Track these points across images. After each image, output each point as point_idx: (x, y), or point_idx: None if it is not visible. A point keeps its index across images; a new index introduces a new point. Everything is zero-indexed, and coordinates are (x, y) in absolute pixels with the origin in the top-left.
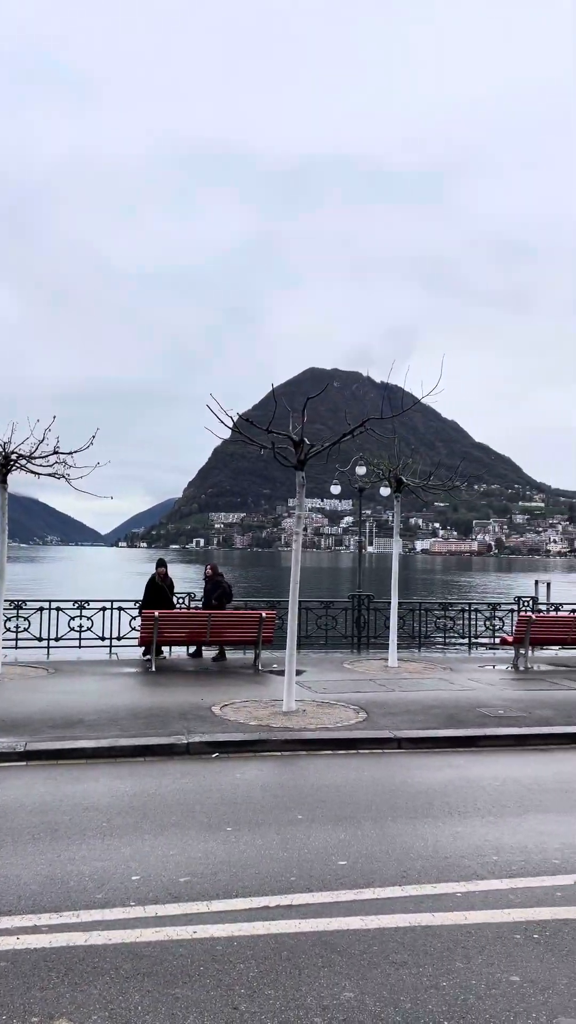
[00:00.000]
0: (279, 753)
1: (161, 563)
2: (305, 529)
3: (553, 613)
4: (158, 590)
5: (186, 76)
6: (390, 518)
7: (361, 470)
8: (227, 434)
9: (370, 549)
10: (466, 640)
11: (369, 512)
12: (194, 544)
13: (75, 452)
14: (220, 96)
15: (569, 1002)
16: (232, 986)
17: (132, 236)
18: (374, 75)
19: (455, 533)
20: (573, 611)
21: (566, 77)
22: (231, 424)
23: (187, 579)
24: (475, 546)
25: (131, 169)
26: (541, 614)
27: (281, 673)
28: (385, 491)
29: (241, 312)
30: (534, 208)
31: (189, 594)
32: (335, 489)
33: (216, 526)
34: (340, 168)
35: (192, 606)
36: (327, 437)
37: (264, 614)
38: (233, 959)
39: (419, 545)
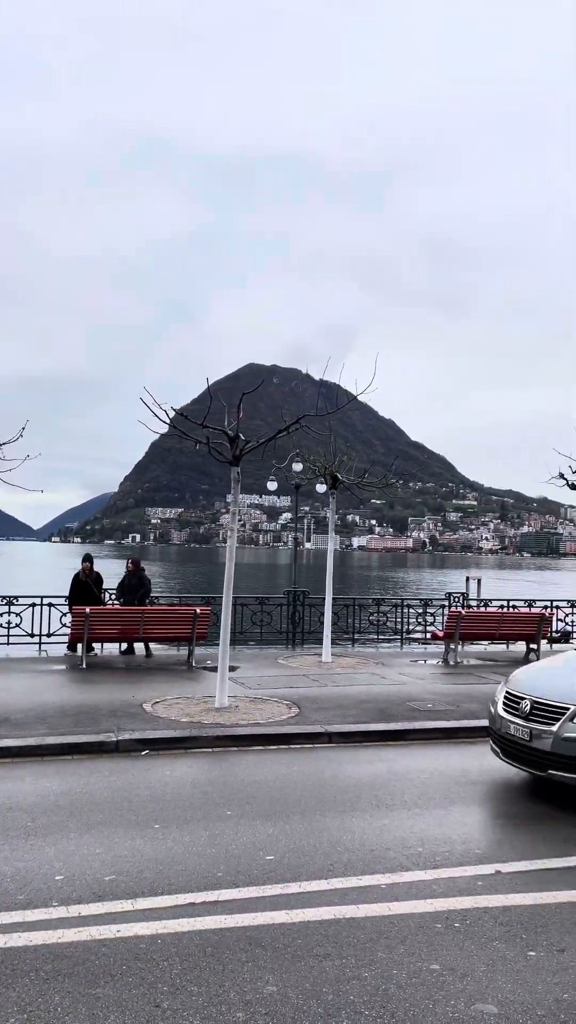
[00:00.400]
0: (210, 749)
1: (87, 558)
2: (243, 525)
3: (482, 609)
4: (83, 586)
5: (126, 64)
6: (328, 515)
7: (298, 467)
8: (163, 428)
9: (308, 545)
10: (399, 635)
11: (307, 509)
12: (130, 540)
13: (4, 444)
14: (160, 86)
15: (487, 988)
16: (155, 984)
17: (68, 223)
18: (317, 73)
19: (391, 530)
20: (501, 607)
21: (508, 81)
22: (166, 418)
23: (120, 575)
24: (410, 543)
25: (68, 155)
26: (471, 610)
27: (214, 669)
28: (321, 488)
29: (180, 305)
30: (471, 211)
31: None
32: (272, 485)
33: (153, 521)
34: (281, 165)
35: (110, 602)
36: (266, 433)
37: (198, 610)
38: (157, 957)
39: (356, 542)
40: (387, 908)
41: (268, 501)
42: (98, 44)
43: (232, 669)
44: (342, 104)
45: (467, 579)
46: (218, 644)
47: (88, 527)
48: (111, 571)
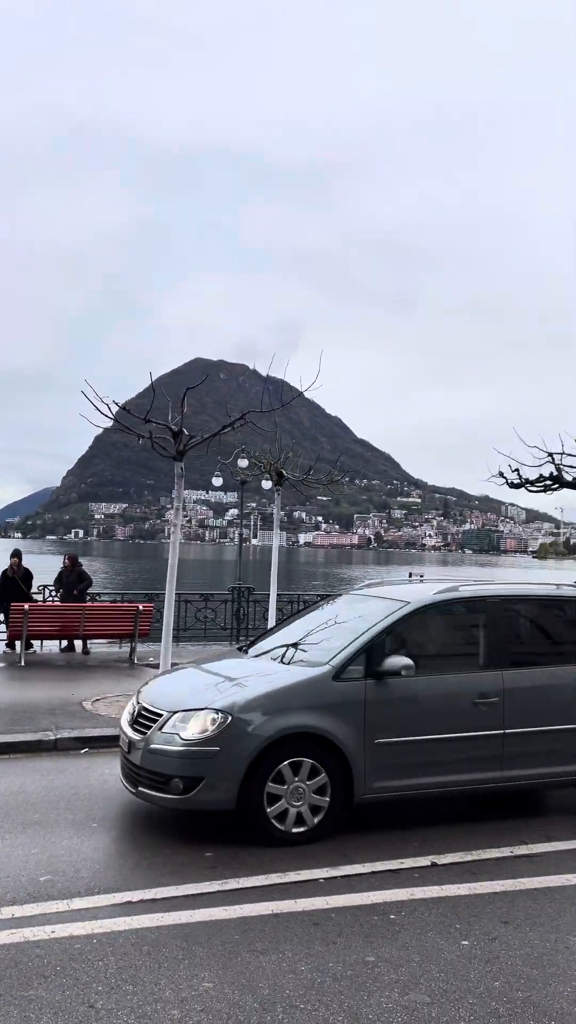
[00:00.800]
0: None
1: (15, 553)
2: (189, 521)
3: None
4: (9, 582)
5: (67, 50)
6: (274, 511)
7: (243, 463)
8: (106, 423)
9: (254, 542)
10: None
11: (254, 505)
12: (73, 535)
13: None
14: (106, 75)
15: (421, 978)
16: (89, 984)
17: (7, 212)
18: (265, 69)
19: (337, 527)
20: None
21: (457, 80)
22: (109, 413)
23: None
24: (356, 539)
25: (5, 141)
26: None
27: (157, 666)
28: (267, 484)
29: (124, 297)
30: (418, 211)
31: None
32: (217, 481)
33: (96, 517)
34: (227, 159)
35: (50, 598)
36: (212, 429)
37: (141, 607)
38: (92, 957)
39: (302, 538)
40: (325, 902)
41: (215, 497)
42: (46, 32)
43: (175, 666)
44: (290, 100)
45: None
46: (161, 641)
47: (29, 522)
48: (52, 568)
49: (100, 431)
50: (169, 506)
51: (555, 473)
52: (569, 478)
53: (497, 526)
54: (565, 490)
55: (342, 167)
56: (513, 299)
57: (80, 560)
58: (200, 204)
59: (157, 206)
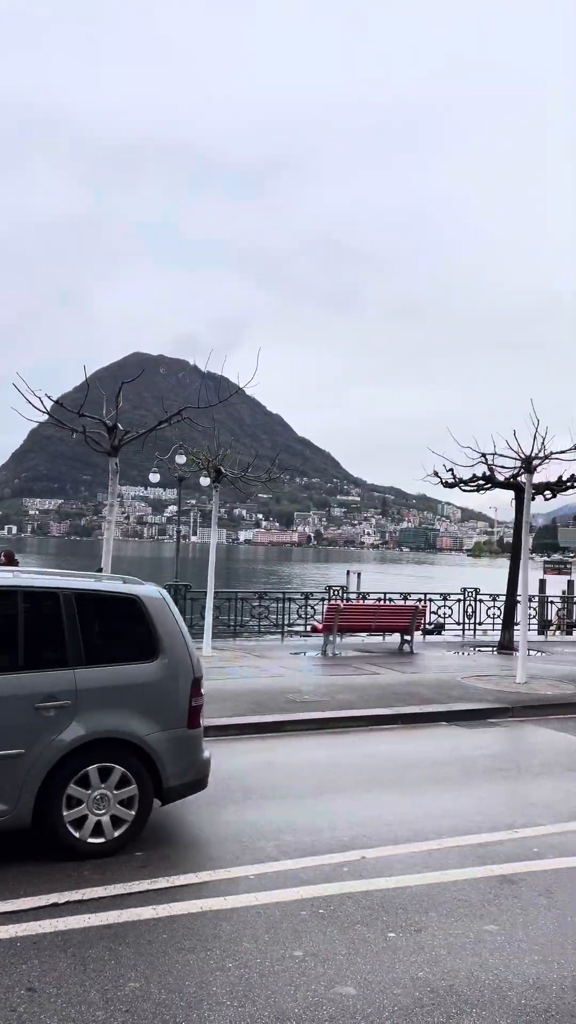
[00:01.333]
0: None
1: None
2: (127, 517)
3: (360, 602)
4: None
5: (10, 36)
6: (212, 508)
7: (181, 459)
8: (39, 416)
9: (194, 539)
10: (280, 628)
11: (194, 502)
12: (6, 531)
13: None
14: (44, 61)
15: (347, 971)
16: (12, 988)
17: None
18: (210, 64)
19: (277, 524)
20: (378, 600)
21: (403, 80)
22: (43, 406)
23: None
24: (296, 537)
25: None
26: (349, 603)
27: None
28: (205, 481)
29: (62, 288)
30: (360, 210)
31: None
32: (154, 477)
33: (31, 512)
34: (169, 152)
35: None
36: (151, 424)
37: None
38: (15, 961)
39: (242, 535)
40: (254, 899)
41: (153, 493)
42: None
43: None
44: (232, 97)
45: (348, 573)
46: None
47: None
48: None
49: (35, 425)
50: (106, 502)
51: (487, 473)
52: (501, 478)
53: (433, 524)
54: (498, 490)
55: (285, 164)
56: (448, 301)
57: (16, 558)
58: (140, 197)
59: (94, 196)
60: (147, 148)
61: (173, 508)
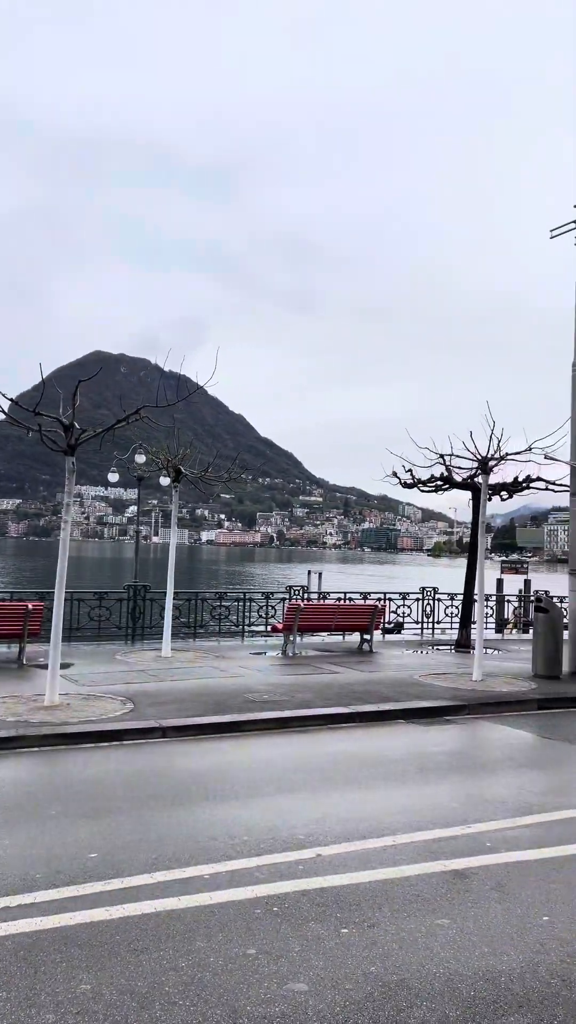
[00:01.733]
0: (38, 748)
1: None
2: (87, 518)
3: (320, 601)
4: None
5: None
6: (172, 508)
7: (140, 458)
8: None
9: (155, 539)
10: (240, 629)
11: (155, 502)
12: None
13: None
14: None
15: (300, 968)
16: None
17: None
18: (172, 62)
19: (240, 525)
20: (339, 599)
21: (372, 83)
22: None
23: None
24: (258, 537)
25: None
26: (309, 602)
27: (46, 667)
28: (165, 481)
29: (20, 285)
30: (323, 211)
31: None
32: (113, 477)
33: None
34: (131, 148)
35: None
36: (110, 423)
37: (30, 606)
38: None
39: (205, 536)
40: (209, 898)
41: (114, 493)
42: None
43: (66, 666)
44: (195, 96)
45: (309, 573)
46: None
47: None
48: None
49: None
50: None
51: (445, 474)
52: (458, 479)
53: (394, 525)
54: (456, 490)
55: (249, 164)
56: (409, 302)
57: None
58: (102, 193)
59: (56, 194)
60: (108, 144)
61: (134, 508)
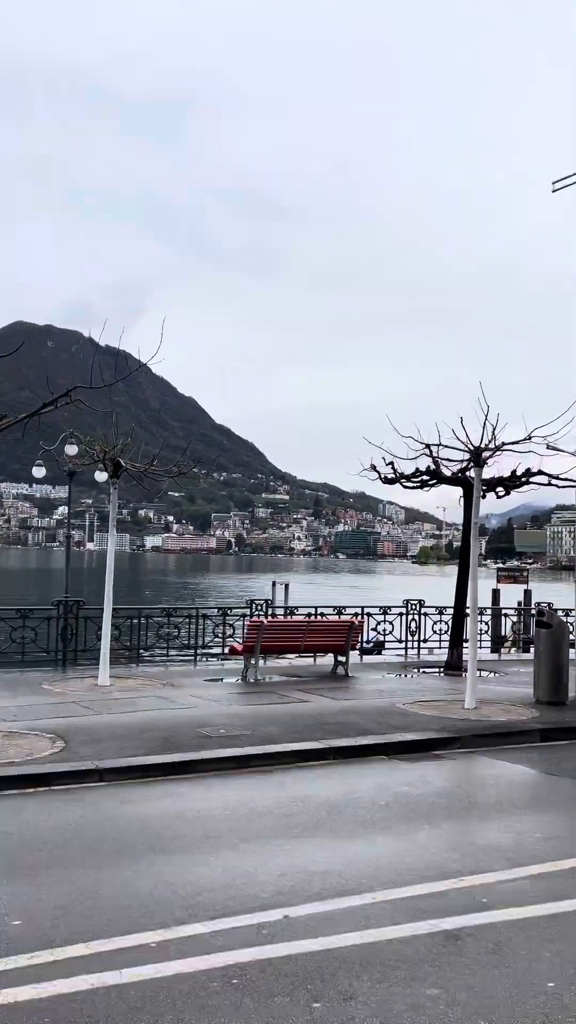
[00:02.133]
0: None
1: None
2: (7, 520)
3: (288, 618)
4: None
5: None
6: (110, 509)
7: (72, 449)
8: None
9: (89, 546)
10: (193, 651)
11: (90, 502)
12: None
13: None
14: None
15: None
16: None
17: None
18: None
19: (191, 528)
20: (309, 615)
21: (340, 13)
22: None
23: None
24: (213, 543)
25: None
26: (274, 619)
27: None
28: (100, 476)
29: None
30: (283, 160)
31: None
32: (38, 472)
33: None
34: (52, 79)
35: None
36: (35, 406)
37: None
38: None
39: (149, 541)
40: (155, 970)
41: (40, 492)
42: None
43: None
44: (134, 16)
45: (274, 584)
46: None
47: None
48: None
49: None
50: None
51: (432, 467)
52: (447, 473)
53: (374, 527)
54: (444, 486)
55: (197, 100)
56: (388, 266)
57: None
58: (22, 134)
59: None
60: (28, 74)
61: (64, 509)
